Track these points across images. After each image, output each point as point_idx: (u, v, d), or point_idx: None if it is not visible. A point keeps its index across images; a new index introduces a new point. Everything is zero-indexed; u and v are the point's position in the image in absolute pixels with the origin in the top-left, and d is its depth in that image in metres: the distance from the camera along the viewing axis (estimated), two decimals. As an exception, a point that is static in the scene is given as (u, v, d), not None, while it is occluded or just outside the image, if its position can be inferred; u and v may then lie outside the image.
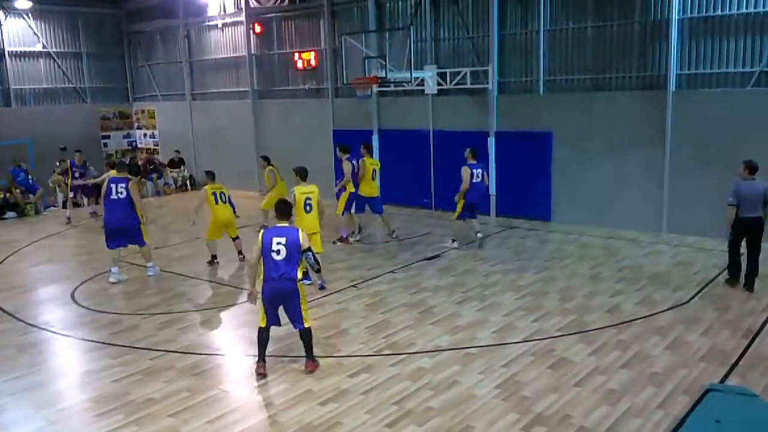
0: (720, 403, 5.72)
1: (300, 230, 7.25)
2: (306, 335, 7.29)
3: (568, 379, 6.95)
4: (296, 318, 7.24)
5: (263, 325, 7.25)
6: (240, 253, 12.22)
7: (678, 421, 5.89)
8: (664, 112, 12.89)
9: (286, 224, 7.29)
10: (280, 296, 7.10)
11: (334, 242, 12.99)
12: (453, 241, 12.84)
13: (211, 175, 12.25)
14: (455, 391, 6.77)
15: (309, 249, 7.13)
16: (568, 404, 6.43)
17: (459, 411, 6.36)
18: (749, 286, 9.62)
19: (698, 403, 5.94)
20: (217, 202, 11.83)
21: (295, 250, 7.01)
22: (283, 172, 14.32)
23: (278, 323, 7.31)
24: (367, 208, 13.80)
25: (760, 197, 9.37)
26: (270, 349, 8.00)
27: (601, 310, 9.05)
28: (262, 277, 7.12)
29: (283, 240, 6.98)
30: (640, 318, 8.68)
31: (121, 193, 11.01)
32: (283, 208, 7.46)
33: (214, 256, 12.14)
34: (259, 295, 7.25)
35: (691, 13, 12.58)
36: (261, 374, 7.20)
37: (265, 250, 7.00)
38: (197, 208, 12.09)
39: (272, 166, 14.56)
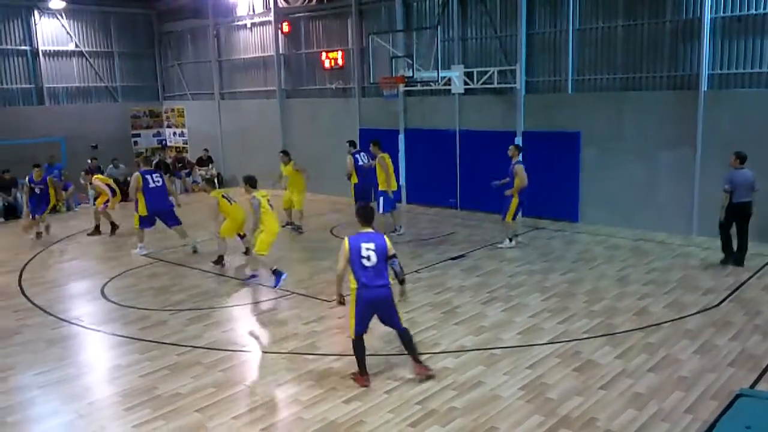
0: (751, 408, 5.61)
1: (386, 235, 7.05)
2: (408, 336, 7.08)
3: (594, 382, 6.88)
4: (395, 321, 7.05)
5: (355, 336, 6.96)
6: (247, 250, 12.10)
7: (707, 426, 5.80)
8: (695, 112, 12.69)
9: (371, 230, 6.98)
10: (378, 303, 6.88)
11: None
12: (510, 240, 12.67)
13: (210, 183, 12.41)
14: (479, 392, 6.74)
15: (395, 255, 6.97)
16: (594, 407, 6.36)
17: (483, 412, 6.33)
18: (740, 262, 10.87)
19: (728, 408, 5.84)
20: (230, 203, 11.96)
21: (384, 256, 6.82)
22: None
23: (366, 330, 7.03)
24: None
25: (750, 184, 10.63)
26: (295, 346, 8.10)
27: (629, 312, 8.94)
28: (353, 286, 6.85)
29: (372, 246, 6.78)
30: (668, 321, 8.56)
31: (158, 182, 13.06)
32: (367, 214, 7.08)
33: (221, 257, 12.00)
34: (348, 303, 7.02)
35: (723, 12, 12.37)
36: (365, 386, 6.95)
37: (354, 257, 6.75)
38: (214, 219, 12.11)
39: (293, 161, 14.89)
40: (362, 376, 7.03)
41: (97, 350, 8.51)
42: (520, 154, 12.55)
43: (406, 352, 7.21)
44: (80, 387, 7.23)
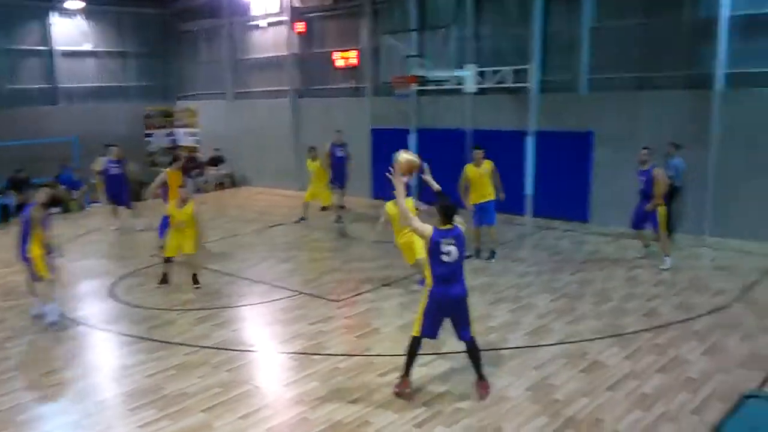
0: (758, 410, 5.55)
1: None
2: (475, 347, 6.69)
3: (600, 383, 6.84)
4: (465, 326, 6.62)
5: (418, 335, 6.63)
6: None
7: (713, 427, 5.74)
8: (710, 111, 12.55)
9: (451, 226, 6.51)
10: (453, 302, 6.50)
11: None
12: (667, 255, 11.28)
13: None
14: (485, 393, 6.71)
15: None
16: (600, 408, 6.32)
17: (489, 413, 6.32)
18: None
19: (735, 409, 5.78)
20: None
21: (464, 253, 6.51)
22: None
23: (436, 335, 6.69)
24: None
25: (684, 170, 12.14)
26: (302, 346, 8.11)
27: (638, 313, 8.88)
28: (428, 282, 6.56)
29: (453, 241, 6.41)
30: (677, 322, 8.49)
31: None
32: (449, 210, 6.54)
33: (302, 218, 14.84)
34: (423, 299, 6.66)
35: (741, 10, 12.22)
36: (408, 394, 6.66)
37: (433, 250, 6.40)
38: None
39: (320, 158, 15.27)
40: (404, 379, 6.75)
41: (104, 350, 8.56)
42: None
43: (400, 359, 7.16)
44: (88, 386, 7.28)
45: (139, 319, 9.36)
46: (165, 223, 10.96)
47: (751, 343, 7.73)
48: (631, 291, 9.84)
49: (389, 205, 9.69)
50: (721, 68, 12.46)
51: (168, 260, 10.82)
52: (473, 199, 11.66)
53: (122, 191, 15.56)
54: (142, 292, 10.71)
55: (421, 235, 6.55)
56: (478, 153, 11.63)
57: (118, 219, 15.52)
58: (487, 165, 11.65)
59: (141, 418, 6.47)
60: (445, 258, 6.39)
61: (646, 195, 11.06)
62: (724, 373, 6.95)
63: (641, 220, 11.24)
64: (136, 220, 15.41)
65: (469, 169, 11.68)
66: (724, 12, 12.27)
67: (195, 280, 10.79)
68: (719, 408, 6.17)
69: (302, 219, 15.48)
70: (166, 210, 11.01)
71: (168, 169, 13.26)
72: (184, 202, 10.65)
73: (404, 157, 6.96)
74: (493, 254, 11.78)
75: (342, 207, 15.50)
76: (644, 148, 11.18)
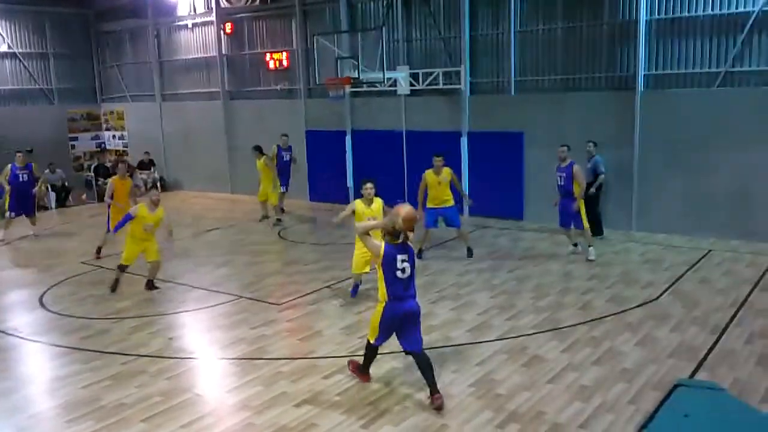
0: (689, 397, 5.77)
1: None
2: (426, 359, 6.58)
3: (541, 377, 7.01)
4: (417, 339, 6.67)
5: (373, 342, 6.79)
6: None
7: (648, 415, 5.96)
8: (633, 112, 13.07)
9: (400, 242, 6.54)
10: (408, 316, 6.59)
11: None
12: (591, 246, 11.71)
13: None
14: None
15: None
16: (542, 401, 6.48)
17: (434, 410, 6.38)
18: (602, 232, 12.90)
19: (667, 397, 6.01)
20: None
21: (414, 268, 6.60)
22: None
23: (387, 339, 6.83)
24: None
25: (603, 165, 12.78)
26: (243, 351, 8.00)
27: (574, 307, 9.15)
28: (382, 299, 6.59)
29: (406, 257, 6.50)
30: (611, 315, 8.79)
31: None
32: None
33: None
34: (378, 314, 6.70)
35: (658, 14, 12.78)
36: (367, 381, 7.00)
37: (387, 267, 6.45)
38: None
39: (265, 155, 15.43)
40: (363, 374, 7.02)
41: (36, 361, 8.22)
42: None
43: (358, 354, 7.17)
44: (20, 400, 6.97)
45: (72, 329, 9.02)
46: (122, 223, 10.39)
47: (680, 333, 8.07)
48: (566, 285, 10.13)
49: (358, 202, 9.62)
50: (641, 70, 12.98)
51: (124, 268, 10.49)
52: (431, 204, 11.83)
53: (29, 200, 15.10)
54: (73, 301, 10.33)
55: (376, 255, 6.58)
56: (438, 160, 11.77)
57: (6, 230, 14.85)
58: (446, 173, 11.80)
59: (77, 430, 6.25)
60: (399, 275, 6.49)
61: (567, 191, 11.48)
62: (657, 364, 7.23)
63: (569, 218, 11.62)
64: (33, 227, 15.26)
65: (429, 176, 11.78)
66: (643, 16, 12.80)
67: (152, 285, 10.61)
68: (653, 397, 6.42)
69: (265, 218, 15.64)
70: (124, 210, 10.53)
71: (115, 177, 13.12)
72: (155, 205, 10.33)
73: (410, 213, 6.49)
74: (470, 252, 11.98)
75: (282, 210, 15.77)
76: (562, 146, 11.61)
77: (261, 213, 15.75)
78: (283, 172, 15.77)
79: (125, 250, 10.48)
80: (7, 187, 14.81)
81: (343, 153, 17.30)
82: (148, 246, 10.43)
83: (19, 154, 14.90)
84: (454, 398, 6.60)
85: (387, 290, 6.55)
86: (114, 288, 10.57)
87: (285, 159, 15.74)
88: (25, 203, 14.94)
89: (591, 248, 11.52)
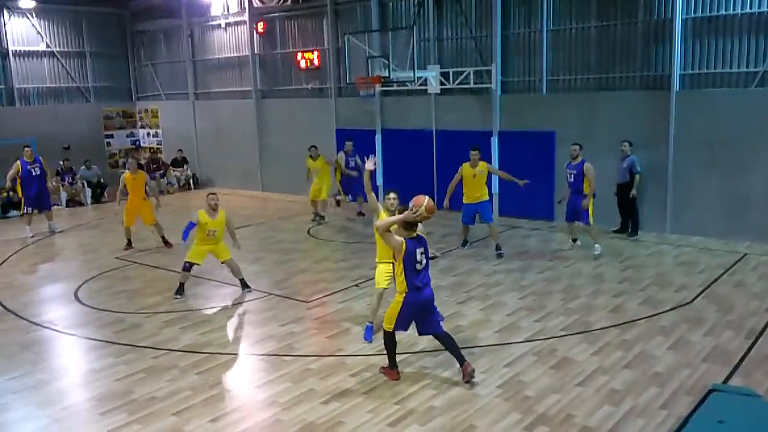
0: (723, 403, 5.69)
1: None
2: (448, 335, 7.09)
3: (570, 379, 6.94)
4: (437, 320, 7.15)
5: (391, 330, 6.97)
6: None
7: (681, 421, 5.88)
8: (667, 112, 12.86)
9: (416, 234, 6.87)
10: (427, 304, 6.94)
11: None
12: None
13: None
14: (457, 391, 6.76)
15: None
16: (571, 404, 6.42)
17: (461, 410, 6.36)
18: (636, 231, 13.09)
19: (701, 403, 5.92)
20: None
21: (428, 259, 6.94)
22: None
23: (407, 330, 7.07)
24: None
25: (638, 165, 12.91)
26: (273, 348, 8.07)
27: (605, 309, 9.04)
28: (402, 290, 6.82)
29: (422, 249, 6.82)
30: (643, 318, 8.67)
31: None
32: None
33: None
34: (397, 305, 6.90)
35: (695, 12, 12.56)
36: (396, 380, 7.06)
37: (408, 261, 6.71)
38: None
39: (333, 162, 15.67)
40: (393, 369, 7.11)
41: (71, 354, 8.39)
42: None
43: (386, 352, 7.18)
44: (54, 391, 7.12)
45: (106, 323, 9.19)
46: (187, 231, 10.09)
47: (714, 337, 7.93)
48: (597, 287, 10.01)
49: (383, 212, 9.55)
50: (676, 69, 12.77)
51: (189, 267, 10.16)
52: (467, 199, 11.98)
53: (44, 194, 15.22)
54: (107, 295, 10.52)
55: (398, 251, 6.73)
56: (475, 153, 11.87)
57: (30, 226, 15.03)
58: (482, 167, 11.87)
59: (110, 422, 6.36)
60: (418, 267, 6.77)
61: (577, 189, 11.61)
62: (690, 368, 7.11)
63: (575, 214, 11.75)
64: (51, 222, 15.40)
65: (465, 168, 11.95)
66: (679, 14, 12.59)
67: (245, 284, 10.39)
68: (686, 402, 6.32)
69: (320, 217, 15.64)
70: (194, 217, 10.05)
71: (126, 173, 13.50)
72: (214, 209, 10.00)
73: (431, 203, 6.78)
74: (499, 249, 12.00)
75: (361, 213, 15.93)
76: (574, 144, 11.77)
77: (314, 212, 15.68)
78: (351, 178, 15.46)
79: (191, 250, 10.16)
80: (18, 181, 14.86)
81: (373, 152, 17.27)
82: (215, 248, 10.20)
83: (26, 149, 14.89)
84: (482, 399, 6.58)
85: (407, 283, 6.76)
86: (180, 291, 10.20)
87: (350, 165, 15.45)
88: (40, 198, 15.00)
89: (597, 245, 11.64)
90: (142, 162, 21.64)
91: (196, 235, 10.11)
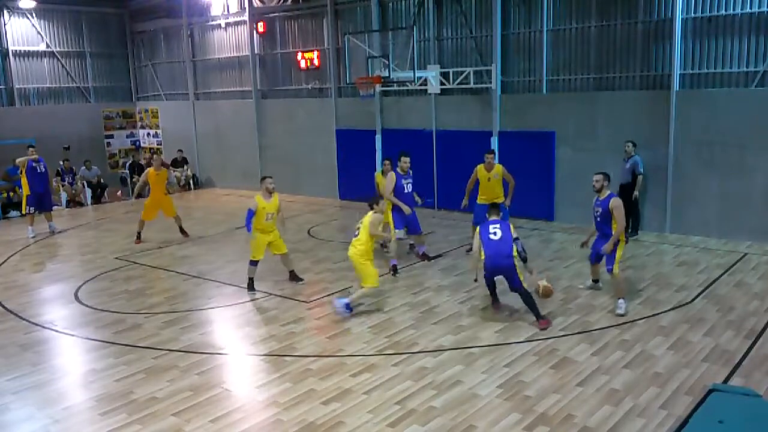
0: (723, 403, 5.68)
1: (510, 223, 8.99)
2: (525, 293, 8.56)
3: (570, 379, 6.95)
4: (517, 285, 8.57)
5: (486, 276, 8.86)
6: None
7: (681, 421, 5.88)
8: (667, 112, 12.86)
9: (497, 217, 8.89)
10: (501, 270, 8.59)
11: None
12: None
13: None
14: (458, 391, 6.77)
15: (517, 238, 8.62)
16: (571, 404, 6.42)
17: (461, 411, 6.36)
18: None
19: (701, 403, 5.92)
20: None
21: (509, 234, 8.56)
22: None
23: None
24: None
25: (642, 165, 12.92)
26: (273, 348, 8.07)
27: (605, 309, 9.03)
28: (482, 257, 8.56)
29: (498, 226, 8.60)
30: (643, 318, 8.67)
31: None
32: (494, 207, 9.28)
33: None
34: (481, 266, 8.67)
35: (695, 12, 12.55)
36: (498, 309, 9.10)
37: (483, 235, 8.60)
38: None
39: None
40: (495, 304, 9.14)
41: (71, 354, 8.38)
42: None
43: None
44: (55, 392, 7.13)
45: (106, 323, 9.19)
46: (249, 220, 10.02)
47: (714, 338, 7.93)
48: (597, 288, 9.99)
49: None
50: (677, 69, 12.77)
51: (255, 263, 10.35)
52: (481, 200, 11.84)
53: (46, 194, 15.44)
54: (107, 295, 10.52)
55: (478, 244, 8.70)
56: (489, 157, 11.81)
57: (32, 226, 15.17)
58: (498, 170, 11.78)
59: (111, 423, 6.36)
60: (493, 237, 8.52)
61: (603, 233, 9.05)
62: (690, 368, 7.11)
63: (599, 257, 9.33)
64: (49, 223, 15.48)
65: (479, 170, 11.86)
66: (679, 14, 12.59)
67: (296, 276, 10.77)
68: (686, 402, 6.33)
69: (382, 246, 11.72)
70: (252, 204, 10.04)
71: (150, 169, 14.04)
72: (270, 193, 10.22)
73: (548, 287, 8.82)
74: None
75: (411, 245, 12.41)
76: (598, 174, 9.06)
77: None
78: (405, 201, 11.47)
79: (252, 246, 10.33)
80: (23, 178, 14.97)
81: (373, 152, 17.31)
82: (272, 240, 10.39)
83: (31, 149, 15.02)
84: (482, 399, 6.59)
85: (484, 250, 8.60)
86: (251, 286, 10.34)
87: (406, 191, 11.51)
88: (42, 198, 15.13)
89: (621, 301, 8.92)
90: (142, 162, 21.69)
91: (255, 224, 10.09)
